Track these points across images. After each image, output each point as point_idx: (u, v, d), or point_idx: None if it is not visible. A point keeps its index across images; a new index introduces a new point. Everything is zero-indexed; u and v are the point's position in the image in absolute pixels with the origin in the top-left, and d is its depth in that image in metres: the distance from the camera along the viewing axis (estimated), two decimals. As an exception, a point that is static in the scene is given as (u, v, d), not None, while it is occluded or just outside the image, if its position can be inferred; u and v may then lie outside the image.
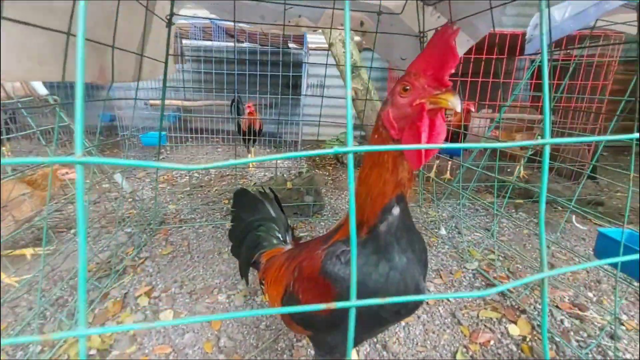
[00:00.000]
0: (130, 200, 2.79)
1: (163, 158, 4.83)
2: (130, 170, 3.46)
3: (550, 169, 3.87)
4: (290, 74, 3.90)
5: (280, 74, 3.86)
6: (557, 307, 1.83)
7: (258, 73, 4.09)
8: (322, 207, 2.96)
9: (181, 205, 3.02)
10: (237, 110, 4.22)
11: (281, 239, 1.25)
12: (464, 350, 1.53)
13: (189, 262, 2.14)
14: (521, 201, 3.34)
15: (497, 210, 2.57)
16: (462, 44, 1.87)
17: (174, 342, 1.51)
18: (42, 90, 1.85)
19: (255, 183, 3.65)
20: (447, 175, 3.95)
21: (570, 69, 2.59)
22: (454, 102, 0.67)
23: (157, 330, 1.58)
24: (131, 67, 1.63)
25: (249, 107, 4.01)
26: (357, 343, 1.01)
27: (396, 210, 0.82)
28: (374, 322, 0.88)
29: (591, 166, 3.13)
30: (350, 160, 0.39)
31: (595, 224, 2.84)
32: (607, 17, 2.22)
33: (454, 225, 2.80)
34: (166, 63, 2.11)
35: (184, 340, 1.53)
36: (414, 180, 0.89)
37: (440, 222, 2.83)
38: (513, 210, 3.21)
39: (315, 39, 4.93)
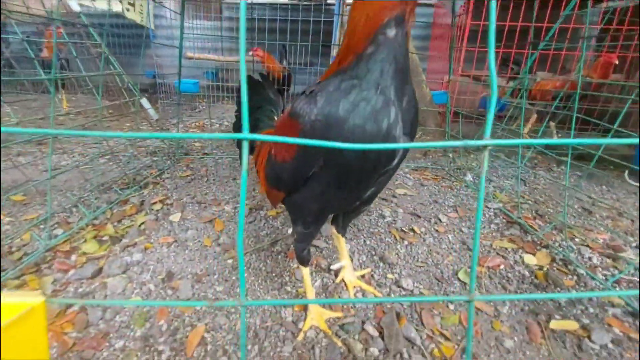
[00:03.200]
0: (157, 128, 2.94)
1: (199, 111, 5.01)
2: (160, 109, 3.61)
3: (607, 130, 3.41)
4: (322, 19, 3.76)
5: (312, 20, 3.74)
6: (587, 246, 1.64)
7: (299, 26, 3.99)
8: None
9: (207, 143, 3.12)
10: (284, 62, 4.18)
11: (276, 119, 1.22)
12: (468, 270, 1.43)
13: (204, 184, 2.21)
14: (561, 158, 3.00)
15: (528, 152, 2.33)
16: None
17: (177, 236, 1.58)
18: (76, 7, 1.96)
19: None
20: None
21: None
22: None
23: (164, 227, 1.66)
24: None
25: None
26: (331, 208, 0.95)
27: (391, 32, 0.71)
28: (345, 174, 0.80)
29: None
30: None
31: (654, 180, 2.48)
32: None
33: (482, 173, 2.60)
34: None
35: (187, 234, 1.59)
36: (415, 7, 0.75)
37: (467, 169, 2.65)
38: (554, 165, 2.91)
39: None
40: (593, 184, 2.49)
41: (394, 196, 2.13)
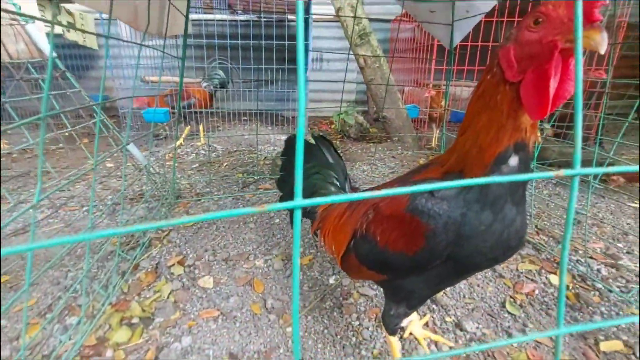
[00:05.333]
0: (143, 174, 2.68)
1: (165, 137, 4.67)
2: (139, 145, 3.31)
3: (565, 135, 3.87)
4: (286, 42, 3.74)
5: (287, 43, 3.70)
6: (591, 257, 1.85)
7: (263, 45, 3.91)
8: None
9: (193, 181, 2.92)
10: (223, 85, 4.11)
11: (339, 186, 1.19)
12: (512, 300, 1.53)
13: (215, 232, 2.07)
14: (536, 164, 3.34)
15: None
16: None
17: (219, 306, 1.47)
18: (46, 49, 1.71)
19: (265, 157, 3.56)
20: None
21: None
22: (599, 41, 0.53)
23: (198, 296, 1.53)
24: (156, 16, 1.50)
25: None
26: (439, 290, 0.97)
27: (514, 161, 0.71)
28: (465, 267, 0.83)
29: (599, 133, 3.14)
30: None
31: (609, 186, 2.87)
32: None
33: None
34: (187, 17, 1.94)
35: (229, 303, 1.48)
36: (537, 126, 0.76)
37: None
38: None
39: (318, 9, 4.74)
40: (567, 188, 2.81)
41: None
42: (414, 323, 1.31)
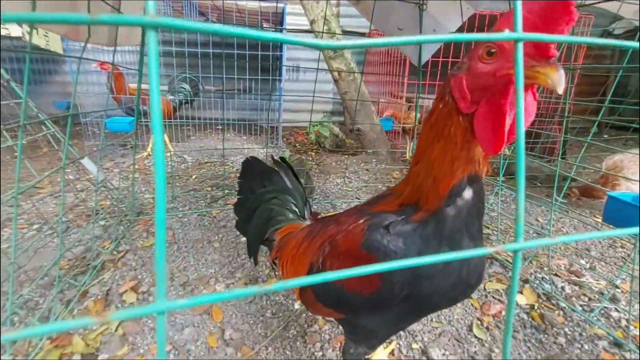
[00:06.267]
0: (102, 189, 2.52)
1: (130, 147, 4.46)
2: (97, 160, 3.13)
3: (532, 149, 3.99)
4: (271, 54, 3.69)
5: (260, 53, 3.64)
6: (556, 275, 1.87)
7: (236, 54, 3.84)
8: (312, 190, 2.85)
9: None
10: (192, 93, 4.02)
11: (298, 213, 1.13)
12: (479, 322, 1.51)
13: (176, 253, 1.95)
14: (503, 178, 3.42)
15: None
16: (463, 14, 1.82)
17: (172, 339, 1.35)
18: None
19: (237, 169, 3.45)
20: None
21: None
22: (557, 80, 0.51)
23: (150, 327, 1.41)
24: (106, 27, 1.40)
25: (99, 64, 3.27)
26: (399, 330, 0.92)
27: (468, 194, 0.70)
28: (424, 308, 0.79)
29: (562, 147, 3.27)
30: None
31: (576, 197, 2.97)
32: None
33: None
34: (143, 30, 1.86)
35: (183, 335, 1.37)
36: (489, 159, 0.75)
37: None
38: (497, 189, 3.29)
39: (293, 20, 4.72)
40: (533, 204, 2.88)
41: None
42: (378, 352, 1.25)
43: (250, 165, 1.21)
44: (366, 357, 1.26)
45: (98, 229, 2.14)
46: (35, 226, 2.21)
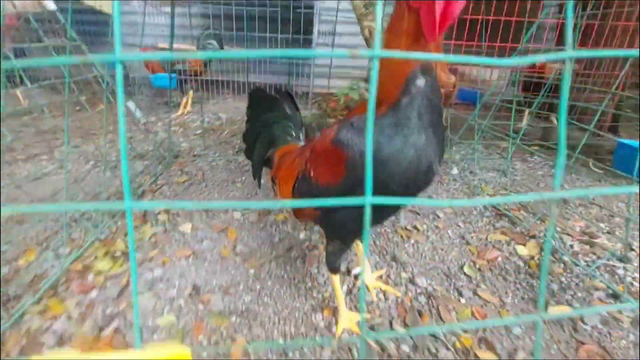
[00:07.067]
0: (147, 135, 2.84)
1: (173, 104, 4.83)
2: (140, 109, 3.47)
3: (579, 120, 3.71)
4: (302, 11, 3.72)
5: (291, 15, 3.69)
6: (567, 234, 1.84)
7: (268, 13, 3.92)
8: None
9: (193, 145, 3.06)
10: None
11: (294, 136, 1.26)
12: (472, 264, 1.57)
13: (204, 189, 2.20)
14: (536, 147, 3.26)
15: (512, 146, 2.54)
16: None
17: (193, 247, 1.59)
18: (52, 5, 1.82)
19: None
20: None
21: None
22: None
23: (176, 239, 1.66)
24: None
25: None
26: (374, 225, 1.03)
27: (421, 82, 0.79)
28: (382, 194, 0.89)
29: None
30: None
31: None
32: None
33: (466, 166, 2.77)
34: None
35: (202, 246, 1.61)
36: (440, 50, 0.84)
37: (452, 163, 2.81)
38: (528, 155, 3.15)
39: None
40: (564, 173, 2.75)
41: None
42: (367, 275, 1.38)
43: (256, 95, 1.35)
44: (355, 272, 1.40)
45: (140, 166, 2.46)
46: (90, 163, 2.58)
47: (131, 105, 2.53)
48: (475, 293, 1.40)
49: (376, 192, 0.86)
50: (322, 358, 1.08)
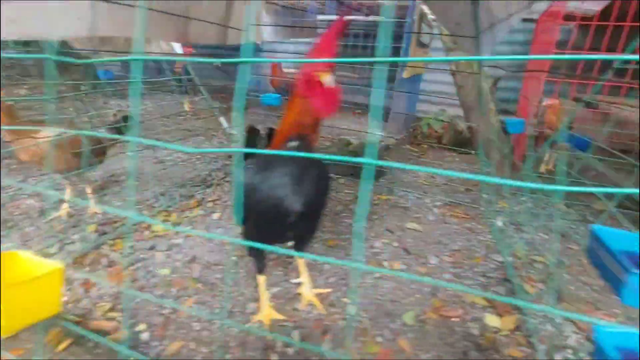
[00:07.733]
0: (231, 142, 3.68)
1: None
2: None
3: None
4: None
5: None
6: (572, 323, 1.54)
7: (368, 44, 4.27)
8: (381, 174, 3.09)
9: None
10: None
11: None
12: (421, 314, 1.57)
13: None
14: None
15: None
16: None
17: (209, 231, 2.16)
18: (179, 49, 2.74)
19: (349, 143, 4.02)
20: (549, 166, 3.34)
21: None
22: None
23: (205, 221, 2.27)
24: (214, 32, 2.23)
25: None
26: (265, 239, 1.32)
27: (292, 144, 1.12)
28: (260, 217, 1.21)
29: None
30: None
31: None
32: None
33: (520, 220, 2.45)
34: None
35: (215, 231, 2.16)
36: (319, 127, 1.16)
37: (502, 213, 2.53)
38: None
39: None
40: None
41: (401, 229, 2.28)
42: (304, 285, 1.62)
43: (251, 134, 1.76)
44: (293, 281, 1.67)
45: (220, 165, 3.25)
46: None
47: (222, 120, 3.39)
48: (396, 339, 1.43)
49: (257, 214, 1.18)
50: (230, 333, 1.42)
